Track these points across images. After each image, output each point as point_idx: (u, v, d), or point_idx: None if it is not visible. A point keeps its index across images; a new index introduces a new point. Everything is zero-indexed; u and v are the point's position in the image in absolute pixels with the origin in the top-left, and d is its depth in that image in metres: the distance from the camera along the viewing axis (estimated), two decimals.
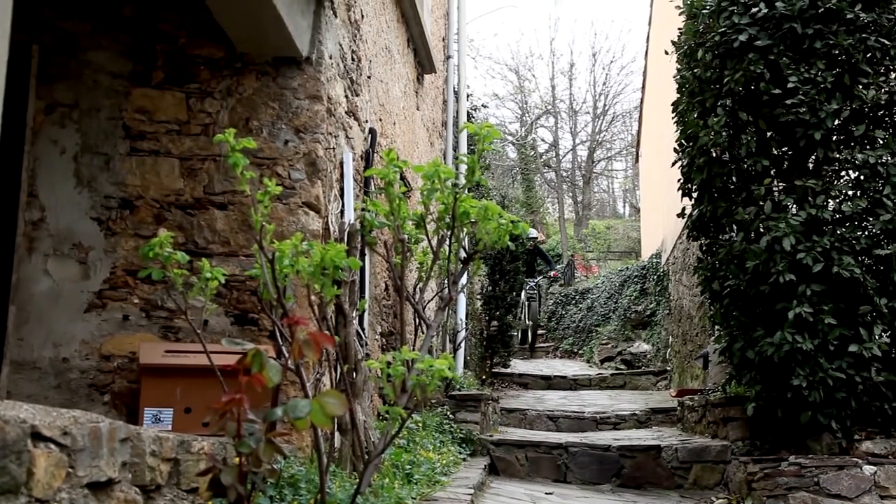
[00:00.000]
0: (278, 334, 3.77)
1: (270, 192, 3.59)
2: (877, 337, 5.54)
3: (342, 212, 5.42)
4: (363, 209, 4.35)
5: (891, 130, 6.00)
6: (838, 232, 5.70)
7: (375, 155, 6.27)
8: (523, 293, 15.64)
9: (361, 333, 5.30)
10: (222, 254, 4.89)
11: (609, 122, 34.14)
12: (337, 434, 4.20)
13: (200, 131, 5.02)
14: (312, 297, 3.93)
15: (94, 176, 5.00)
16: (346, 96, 5.66)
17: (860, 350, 5.45)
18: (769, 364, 5.63)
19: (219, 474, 2.54)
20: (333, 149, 5.29)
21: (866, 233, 5.78)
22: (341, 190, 5.48)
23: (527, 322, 16.68)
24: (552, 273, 17.32)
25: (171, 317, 4.83)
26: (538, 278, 16.82)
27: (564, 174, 34.11)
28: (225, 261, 4.79)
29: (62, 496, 2.05)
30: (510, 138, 32.19)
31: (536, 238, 17.00)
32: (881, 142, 5.87)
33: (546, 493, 5.82)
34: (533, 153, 32.59)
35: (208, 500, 2.69)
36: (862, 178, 5.83)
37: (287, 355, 3.50)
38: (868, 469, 5.29)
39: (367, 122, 6.29)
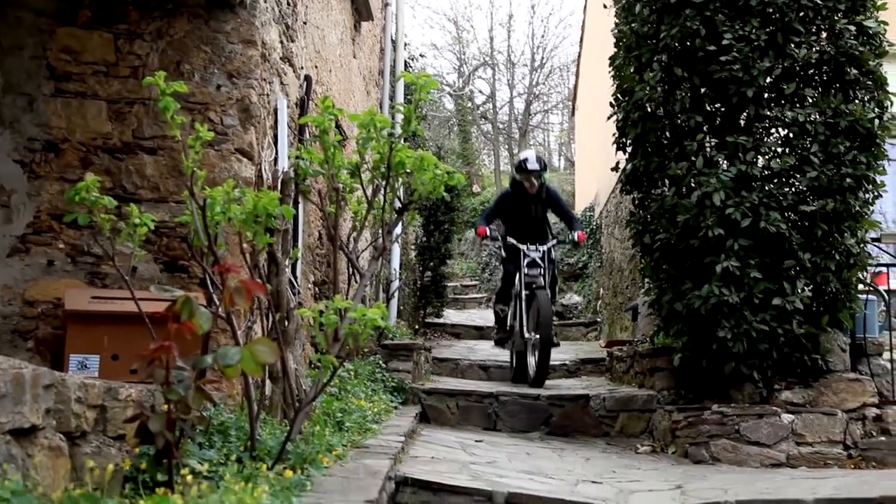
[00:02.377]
0: (209, 282, 3.74)
1: (202, 138, 3.53)
2: (799, 291, 5.69)
3: (276, 159, 5.35)
4: (297, 157, 4.30)
5: (820, 89, 6.10)
6: (767, 188, 5.81)
7: (311, 102, 6.19)
8: (519, 278, 8.22)
9: (294, 282, 5.27)
10: (152, 200, 4.79)
11: (546, 75, 34.12)
12: (268, 382, 4.19)
13: (129, 74, 4.88)
14: (244, 245, 3.89)
15: (16, 117, 4.85)
16: (281, 42, 5.55)
17: (783, 303, 5.59)
18: (696, 316, 5.75)
19: (146, 421, 2.52)
20: (267, 95, 5.21)
21: (793, 189, 5.90)
22: (275, 137, 5.40)
23: (525, 333, 7.99)
24: (578, 235, 8.57)
25: (98, 263, 4.73)
26: (550, 243, 8.44)
27: (501, 126, 34.12)
28: (154, 207, 4.70)
29: None
30: (447, 89, 32.01)
31: (539, 170, 8.52)
32: (810, 100, 5.97)
33: (476, 441, 5.90)
34: (470, 105, 32.48)
35: (135, 446, 2.67)
36: (791, 135, 5.93)
37: (218, 303, 3.47)
38: (786, 417, 5.47)
39: (302, 68, 6.19)
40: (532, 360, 7.82)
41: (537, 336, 7.61)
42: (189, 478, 2.56)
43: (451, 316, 14.78)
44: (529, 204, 8.54)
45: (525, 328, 7.91)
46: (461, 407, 6.80)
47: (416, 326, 11.94)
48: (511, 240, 8.29)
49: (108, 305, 4.28)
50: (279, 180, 4.69)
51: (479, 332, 12.90)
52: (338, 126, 5.34)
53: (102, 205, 3.50)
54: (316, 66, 6.74)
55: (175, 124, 3.46)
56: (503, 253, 8.59)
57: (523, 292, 8.00)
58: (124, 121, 4.87)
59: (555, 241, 8.56)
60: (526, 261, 8.09)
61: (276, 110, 5.42)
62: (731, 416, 5.50)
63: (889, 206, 9.91)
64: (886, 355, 6.25)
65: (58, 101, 4.86)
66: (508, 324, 8.57)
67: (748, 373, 5.66)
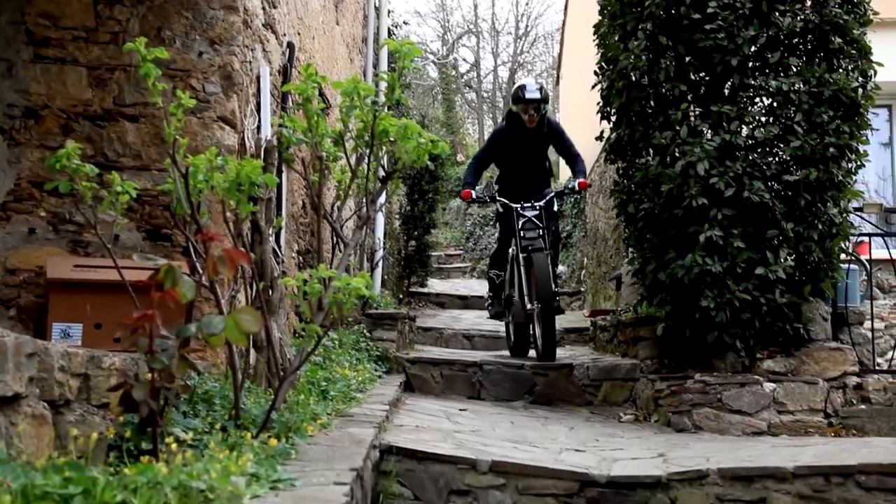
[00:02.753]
0: (192, 250, 3.72)
1: (184, 105, 3.50)
2: (782, 260, 5.70)
3: (259, 127, 5.31)
4: (280, 125, 4.28)
5: (804, 58, 6.09)
6: (750, 157, 5.81)
7: (294, 70, 6.14)
8: (515, 242, 7.21)
9: (278, 251, 5.25)
10: (134, 167, 4.76)
11: (531, 43, 34.07)
12: (252, 351, 4.18)
13: (109, 39, 4.83)
14: (228, 214, 3.87)
15: None
16: (264, 8, 5.49)
17: (766, 273, 5.61)
18: (679, 286, 5.77)
19: (130, 390, 2.51)
20: (250, 62, 5.16)
21: (777, 159, 5.91)
22: (258, 105, 5.36)
23: (527, 304, 7.05)
24: (579, 183, 7.46)
25: (80, 231, 4.70)
26: (549, 194, 7.41)
27: (485, 95, 34.03)
28: (136, 175, 4.66)
29: None
30: (431, 57, 31.89)
31: (540, 99, 7.40)
32: (794, 69, 5.96)
33: (460, 410, 5.92)
34: (454, 73, 32.37)
35: (119, 415, 2.66)
36: (775, 105, 5.93)
37: (201, 272, 3.46)
38: (768, 386, 5.51)
39: (285, 35, 6.13)
40: (538, 333, 6.92)
41: (539, 305, 6.79)
42: (174, 446, 2.56)
43: (436, 285, 14.79)
44: (528, 141, 7.52)
45: (526, 298, 7.00)
46: (445, 376, 6.81)
47: (401, 296, 11.95)
48: (503, 199, 7.36)
49: (90, 274, 4.26)
50: (262, 148, 4.65)
51: (463, 302, 12.93)
52: (321, 94, 5.30)
53: (84, 173, 3.47)
54: (299, 33, 6.68)
55: (156, 91, 3.43)
56: (499, 208, 7.60)
57: (520, 255, 7.02)
58: (105, 87, 4.83)
59: (553, 193, 7.43)
60: (521, 222, 7.07)
61: (258, 78, 5.37)
62: (713, 384, 5.53)
63: (871, 175, 9.97)
64: (867, 324, 6.31)
65: (37, 67, 4.81)
66: (505, 292, 7.68)
67: (731, 342, 5.69)
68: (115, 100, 4.82)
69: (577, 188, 7.49)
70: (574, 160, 7.61)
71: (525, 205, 7.15)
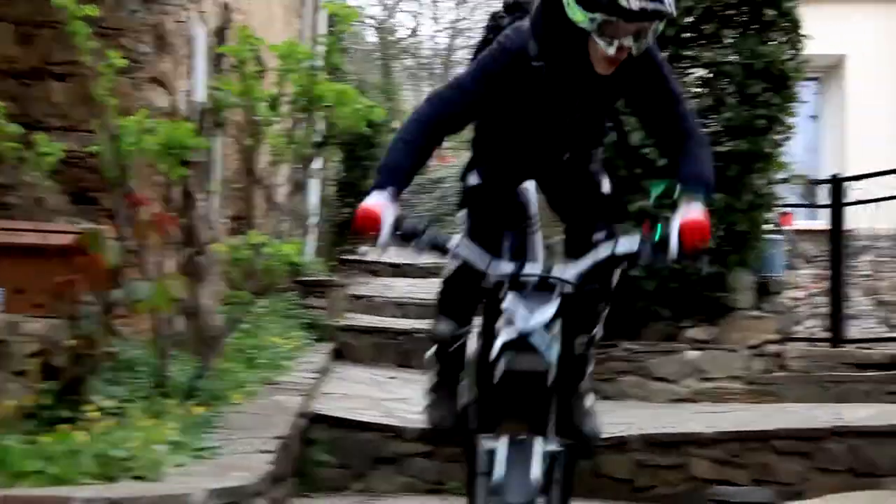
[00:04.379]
0: (120, 215, 3.66)
1: (114, 65, 3.44)
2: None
3: (192, 90, 5.22)
4: (214, 88, 4.22)
5: (739, 30, 6.15)
6: None
7: (229, 32, 6.03)
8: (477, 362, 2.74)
9: (209, 216, 5.18)
10: (60, 128, 4.64)
11: (471, 9, 33.88)
12: (180, 318, 4.14)
13: None
14: (158, 178, 3.82)
15: None
16: None
17: None
18: None
19: (51, 357, 2.48)
20: (184, 22, 5.06)
21: (708, 130, 5.98)
22: (191, 67, 5.26)
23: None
24: (688, 222, 2.39)
25: (3, 193, 4.57)
26: (587, 262, 2.49)
27: (424, 62, 33.83)
28: (64, 136, 4.54)
29: None
30: (370, 22, 31.54)
31: (660, 12, 2.37)
32: (729, 41, 6.02)
33: (390, 378, 5.94)
34: (393, 38, 32.08)
35: (39, 382, 2.63)
36: (710, 76, 5.99)
37: (129, 237, 3.41)
38: (692, 354, 5.61)
39: None
40: None
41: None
42: (95, 414, 2.53)
43: (368, 253, 14.73)
44: (583, 97, 2.70)
45: None
46: (376, 344, 6.80)
47: (334, 263, 11.88)
48: (463, 252, 2.64)
49: (12, 237, 4.15)
50: (195, 111, 4.59)
51: (395, 269, 12.88)
52: (257, 57, 5.23)
53: (7, 132, 3.39)
54: None
55: (86, 50, 3.36)
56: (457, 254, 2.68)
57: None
58: (32, 45, 4.70)
59: (609, 251, 2.56)
60: (505, 335, 2.37)
61: (192, 39, 5.27)
62: (639, 353, 5.62)
63: (798, 148, 10.17)
64: (789, 293, 6.46)
65: None
66: (464, 395, 3.07)
67: (658, 311, 5.77)
68: (42, 58, 4.68)
69: (683, 252, 2.43)
70: (685, 140, 2.71)
71: (526, 273, 2.49)
